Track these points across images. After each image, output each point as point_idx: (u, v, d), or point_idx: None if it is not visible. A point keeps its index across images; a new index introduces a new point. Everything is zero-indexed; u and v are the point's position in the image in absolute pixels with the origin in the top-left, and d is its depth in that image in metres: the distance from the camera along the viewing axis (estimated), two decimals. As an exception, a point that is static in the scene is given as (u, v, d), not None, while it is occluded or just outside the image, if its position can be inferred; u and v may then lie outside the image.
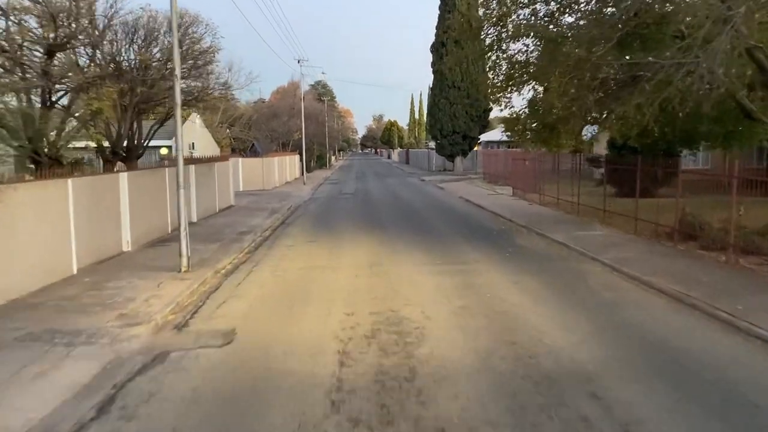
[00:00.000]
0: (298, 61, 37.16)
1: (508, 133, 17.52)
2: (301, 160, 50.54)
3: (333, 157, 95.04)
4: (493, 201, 24.70)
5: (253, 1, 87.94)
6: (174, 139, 12.41)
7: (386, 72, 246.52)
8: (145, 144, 18.62)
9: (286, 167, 40.85)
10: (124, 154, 18.36)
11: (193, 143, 38.78)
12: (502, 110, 22.71)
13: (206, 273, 11.30)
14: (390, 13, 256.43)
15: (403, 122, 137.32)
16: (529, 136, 16.24)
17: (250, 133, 51.38)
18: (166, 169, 16.45)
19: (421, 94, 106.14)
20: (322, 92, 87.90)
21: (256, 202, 25.66)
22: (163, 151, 28.98)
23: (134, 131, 17.66)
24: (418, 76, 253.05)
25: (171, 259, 11.91)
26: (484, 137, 49.49)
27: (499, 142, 65.01)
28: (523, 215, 19.51)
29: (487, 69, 16.46)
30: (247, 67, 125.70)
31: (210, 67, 18.67)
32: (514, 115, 16.22)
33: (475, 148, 48.67)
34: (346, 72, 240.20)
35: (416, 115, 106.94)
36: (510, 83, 14.96)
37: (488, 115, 45.88)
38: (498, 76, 15.54)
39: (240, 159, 32.49)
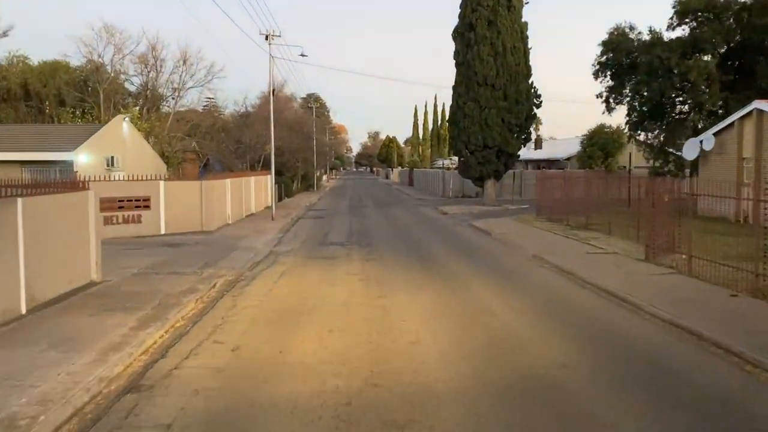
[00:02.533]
0: (266, 37, 25.00)
1: None
2: (276, 182, 38.13)
3: (325, 176, 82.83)
4: (631, 280, 12.28)
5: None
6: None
7: (385, 81, 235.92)
8: None
9: (248, 193, 28.42)
10: None
11: (112, 157, 26.42)
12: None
13: None
14: (392, 9, 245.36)
15: (402, 139, 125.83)
16: None
17: (211, 144, 39.18)
18: None
19: (426, 105, 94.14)
20: (314, 106, 75.77)
21: (153, 270, 13.12)
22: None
23: None
24: (422, 84, 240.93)
25: None
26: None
27: (527, 162, 52.97)
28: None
29: None
30: (221, 67, 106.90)
31: None
32: None
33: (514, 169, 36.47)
34: (341, 77, 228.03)
35: (420, 130, 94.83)
36: None
37: (531, 123, 33.79)
38: None
39: (161, 183, 20.04)
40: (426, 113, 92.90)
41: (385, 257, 15.54)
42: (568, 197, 24.12)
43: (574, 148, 45.54)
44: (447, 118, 34.98)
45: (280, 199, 39.76)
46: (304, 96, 78.70)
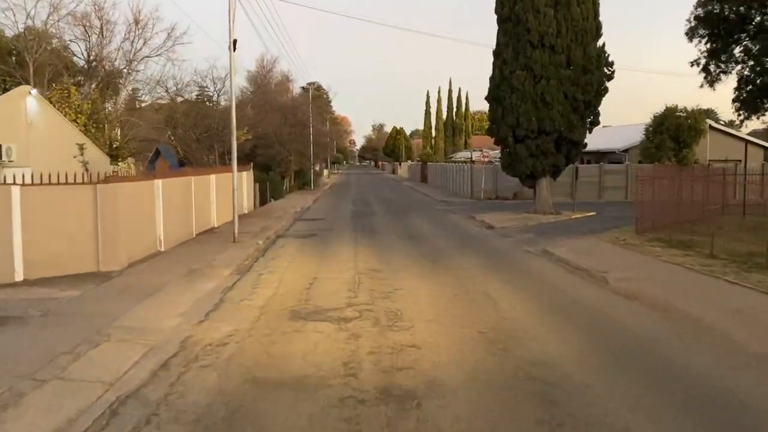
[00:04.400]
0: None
1: None
2: (257, 180, 29.24)
3: (326, 171, 73.82)
4: None
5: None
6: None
7: (390, 69, 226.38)
8: None
9: (206, 199, 19.57)
10: None
11: (0, 146, 17.62)
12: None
13: None
14: None
15: (409, 132, 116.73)
16: None
17: (175, 132, 30.41)
18: None
19: (439, 91, 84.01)
20: (311, 89, 66.46)
21: None
22: None
23: None
24: (429, 69, 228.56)
25: None
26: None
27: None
28: None
29: None
30: (185, 30, 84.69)
31: None
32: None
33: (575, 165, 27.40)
34: (346, 73, 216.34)
35: (433, 119, 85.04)
36: None
37: (601, 101, 24.71)
38: None
39: (14, 189, 11.21)
40: (439, 99, 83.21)
41: (439, 378, 6.62)
42: (704, 208, 15.27)
43: (634, 136, 36.57)
44: (486, 93, 25.91)
45: (263, 202, 30.91)
46: (304, 86, 69.46)
